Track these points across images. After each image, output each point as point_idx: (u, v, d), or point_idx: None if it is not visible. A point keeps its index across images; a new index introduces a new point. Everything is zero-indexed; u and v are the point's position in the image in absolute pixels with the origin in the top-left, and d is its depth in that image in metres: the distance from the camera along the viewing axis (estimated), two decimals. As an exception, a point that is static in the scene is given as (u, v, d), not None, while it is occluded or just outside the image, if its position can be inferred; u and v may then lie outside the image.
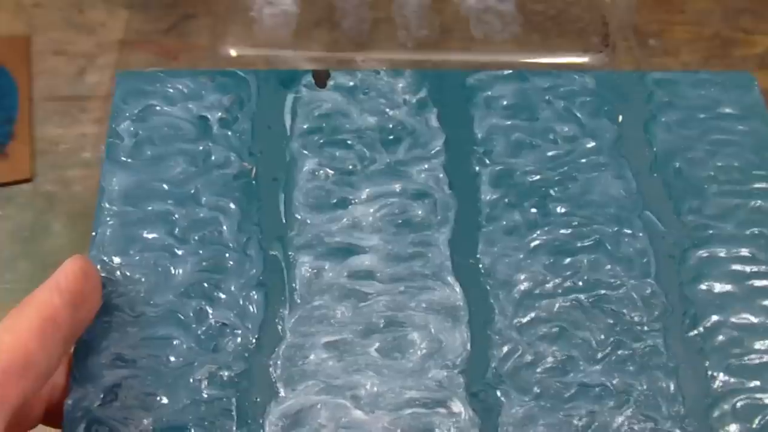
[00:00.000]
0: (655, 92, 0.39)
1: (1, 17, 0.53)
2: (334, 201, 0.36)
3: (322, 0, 0.52)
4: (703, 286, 0.34)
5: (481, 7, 0.50)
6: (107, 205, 0.35)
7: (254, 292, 0.34)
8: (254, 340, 0.33)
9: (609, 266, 0.35)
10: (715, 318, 0.34)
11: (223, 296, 0.34)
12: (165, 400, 0.32)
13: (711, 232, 0.36)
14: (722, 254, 0.35)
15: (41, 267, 0.46)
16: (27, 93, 0.50)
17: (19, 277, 0.45)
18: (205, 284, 0.34)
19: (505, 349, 0.33)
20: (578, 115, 0.38)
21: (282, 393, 0.32)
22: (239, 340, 0.33)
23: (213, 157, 0.36)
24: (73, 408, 0.32)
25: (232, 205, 0.35)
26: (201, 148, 0.37)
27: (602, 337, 0.33)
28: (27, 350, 0.28)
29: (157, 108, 0.37)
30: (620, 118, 0.38)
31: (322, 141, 0.37)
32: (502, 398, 0.32)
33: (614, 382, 0.33)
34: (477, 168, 0.37)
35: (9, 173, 0.47)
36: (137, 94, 0.38)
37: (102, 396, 0.32)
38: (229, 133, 0.37)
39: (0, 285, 0.45)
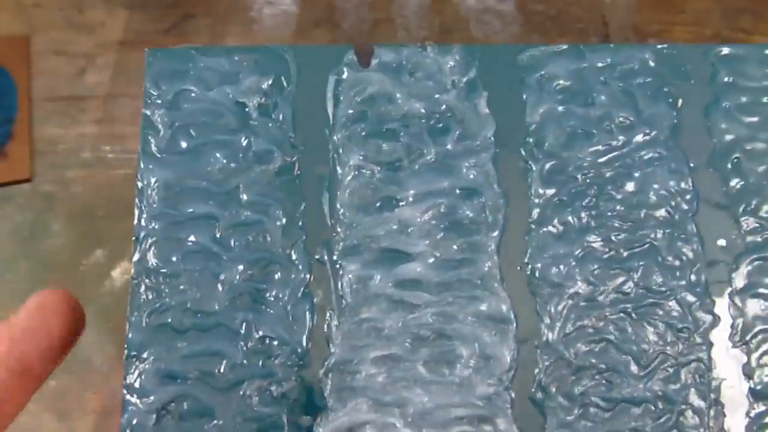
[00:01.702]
0: (720, 70, 0.36)
1: (1, 17, 0.50)
2: (380, 202, 0.35)
3: (322, 0, 0.48)
4: (754, 297, 0.34)
5: (481, 7, 0.47)
6: (147, 208, 0.34)
7: (301, 304, 0.34)
8: (303, 354, 0.33)
9: (659, 273, 0.34)
10: (762, 330, 0.34)
11: (270, 309, 0.34)
12: (217, 418, 0.33)
13: (767, 234, 0.35)
14: (776, 261, 0.35)
15: (41, 267, 0.45)
16: (26, 93, 0.48)
17: (18, 277, 0.45)
18: (251, 295, 0.34)
19: (552, 363, 0.33)
20: (636, 98, 0.36)
21: (332, 410, 0.33)
22: (288, 354, 0.33)
23: (253, 151, 0.35)
24: (128, 426, 0.32)
25: (275, 207, 0.34)
26: (240, 140, 0.35)
27: (648, 351, 0.33)
28: None
29: (192, 94, 0.35)
30: (680, 102, 0.36)
31: (366, 131, 0.35)
32: (547, 415, 0.33)
33: (659, 396, 0.33)
34: (528, 162, 0.35)
35: (8, 173, 0.46)
36: (169, 75, 0.36)
37: (155, 415, 0.32)
38: (269, 123, 0.35)
39: (0, 285, 0.45)
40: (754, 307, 0.34)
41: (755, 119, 0.36)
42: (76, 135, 0.47)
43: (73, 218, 0.45)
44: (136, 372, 0.33)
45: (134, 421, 0.32)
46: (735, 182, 0.35)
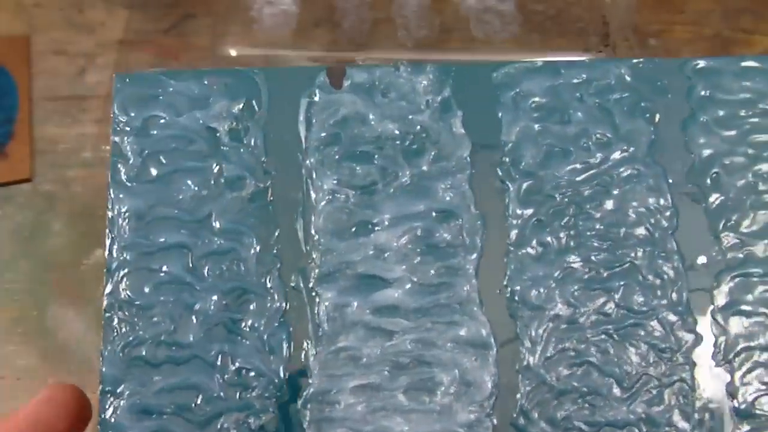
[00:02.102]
0: (696, 84, 0.36)
1: (1, 17, 0.49)
2: (355, 226, 0.34)
3: (322, 0, 0.47)
4: (736, 314, 0.34)
5: (481, 7, 0.46)
6: (118, 238, 0.34)
7: (278, 333, 0.33)
8: (280, 385, 0.33)
9: (640, 293, 0.34)
10: (746, 350, 0.33)
11: (246, 340, 0.33)
12: (195, 453, 0.32)
13: (747, 250, 0.34)
14: (756, 278, 0.34)
15: (41, 267, 0.45)
16: (27, 93, 0.48)
17: (19, 277, 0.45)
18: (226, 326, 0.33)
19: (533, 387, 0.33)
20: (613, 114, 0.35)
21: (311, 442, 0.32)
22: (265, 385, 0.33)
23: (225, 177, 0.34)
24: (105, 465, 0.32)
25: (249, 235, 0.34)
26: (212, 166, 0.34)
27: (631, 372, 0.33)
28: None
29: (162, 120, 0.35)
30: (657, 117, 0.35)
31: (340, 154, 0.35)
32: (530, 440, 0.32)
33: (642, 419, 0.33)
34: (505, 182, 0.35)
35: (8, 173, 0.45)
36: (139, 101, 0.35)
37: None
38: (241, 148, 0.35)
39: (0, 285, 0.45)
40: (736, 324, 0.34)
41: (733, 133, 0.35)
42: (77, 135, 0.47)
43: (73, 218, 0.45)
44: (111, 408, 0.32)
45: None
46: (714, 198, 0.35)
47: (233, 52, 0.46)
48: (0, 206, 0.46)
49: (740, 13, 0.48)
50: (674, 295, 0.34)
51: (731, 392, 0.33)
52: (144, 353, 0.33)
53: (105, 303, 0.33)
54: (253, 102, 0.35)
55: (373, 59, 0.46)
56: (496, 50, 0.46)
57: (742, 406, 0.33)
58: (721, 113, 0.36)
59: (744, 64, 0.36)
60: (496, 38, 0.46)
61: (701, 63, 0.36)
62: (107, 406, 0.32)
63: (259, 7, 0.48)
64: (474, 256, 0.34)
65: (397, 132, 0.35)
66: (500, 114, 0.35)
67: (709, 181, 0.35)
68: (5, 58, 0.48)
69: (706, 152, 0.35)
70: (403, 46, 0.46)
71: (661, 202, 0.35)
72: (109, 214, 0.34)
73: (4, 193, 0.46)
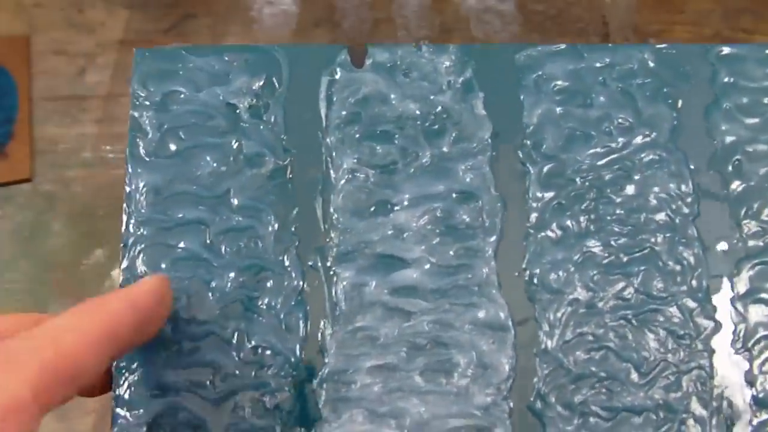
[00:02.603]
0: (720, 70, 0.36)
1: (1, 17, 0.49)
2: (375, 206, 0.34)
3: (322, 0, 0.47)
4: (756, 302, 0.33)
5: (481, 7, 0.46)
6: (135, 213, 0.33)
7: (294, 312, 0.33)
8: (296, 365, 0.32)
9: (660, 279, 0.33)
10: (765, 337, 0.33)
11: (262, 318, 0.33)
12: (209, 430, 0.32)
13: (768, 238, 0.34)
14: (778, 265, 0.34)
15: (41, 267, 0.45)
16: (27, 93, 0.47)
17: (19, 277, 0.45)
18: (243, 303, 0.33)
19: (551, 371, 0.33)
20: (636, 99, 0.35)
21: (326, 422, 0.32)
22: (281, 364, 0.32)
23: (244, 154, 0.34)
24: (119, 440, 0.32)
25: (267, 212, 0.33)
26: (231, 142, 0.34)
27: (649, 358, 0.33)
28: (82, 359, 0.26)
29: (181, 95, 0.34)
30: (680, 103, 0.35)
31: (360, 133, 0.34)
32: (547, 425, 0.32)
33: (660, 405, 0.32)
34: (526, 165, 0.34)
35: (8, 173, 0.45)
36: (158, 76, 0.35)
37: (145, 428, 0.32)
38: (261, 125, 0.34)
39: (0, 285, 0.45)
40: (756, 313, 0.33)
41: (756, 120, 0.35)
42: (77, 135, 0.47)
43: (73, 218, 0.45)
44: (126, 384, 0.32)
45: None
46: (736, 185, 0.34)
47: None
48: (0, 206, 0.46)
49: (740, 13, 0.47)
50: (694, 282, 0.33)
51: (750, 380, 0.33)
52: (162, 329, 0.32)
53: (121, 279, 0.33)
54: (274, 79, 0.35)
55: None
56: (496, 50, 0.46)
57: (761, 395, 0.33)
58: (745, 100, 0.35)
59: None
60: (496, 38, 0.46)
61: (725, 50, 0.36)
62: (121, 383, 0.32)
63: (259, 7, 0.48)
64: (493, 238, 0.34)
65: (418, 112, 0.35)
66: (522, 96, 0.35)
67: (731, 168, 0.35)
68: (5, 58, 0.48)
69: (729, 139, 0.35)
70: (403, 46, 0.47)
71: (683, 188, 0.34)
72: (126, 188, 0.34)
73: (4, 193, 0.46)
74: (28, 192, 0.46)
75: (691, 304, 0.33)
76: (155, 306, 0.29)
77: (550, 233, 0.34)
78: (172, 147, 0.34)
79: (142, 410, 0.32)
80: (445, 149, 0.34)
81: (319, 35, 0.47)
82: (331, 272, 0.33)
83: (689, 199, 0.34)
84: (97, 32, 0.48)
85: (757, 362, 0.33)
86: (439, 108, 0.35)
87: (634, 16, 0.47)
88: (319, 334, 0.33)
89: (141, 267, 0.33)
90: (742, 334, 0.33)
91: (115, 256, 0.45)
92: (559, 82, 0.35)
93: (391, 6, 0.47)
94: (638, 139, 0.35)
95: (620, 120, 0.35)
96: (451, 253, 0.34)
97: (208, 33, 0.47)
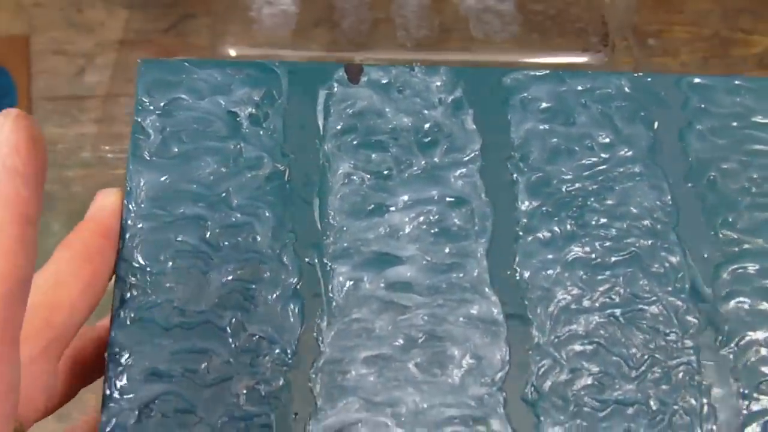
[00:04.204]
0: (691, 98, 0.38)
1: (1, 17, 0.51)
2: (371, 207, 0.35)
3: (321, 0, 0.50)
4: (735, 303, 0.35)
5: (481, 7, 0.49)
6: (135, 208, 0.34)
7: (291, 304, 0.33)
8: (292, 354, 0.32)
9: (645, 281, 0.35)
10: (747, 336, 0.34)
11: (259, 308, 0.33)
12: (202, 417, 0.31)
13: (745, 246, 0.36)
14: (753, 270, 0.35)
15: (40, 266, 0.45)
16: (26, 93, 0.49)
17: None
18: (240, 294, 0.33)
19: (543, 365, 0.33)
20: (614, 120, 0.37)
21: (321, 410, 0.32)
22: (277, 353, 0.32)
23: (244, 157, 0.35)
24: (108, 425, 0.31)
25: (265, 211, 0.34)
26: (231, 146, 0.35)
27: (638, 354, 0.33)
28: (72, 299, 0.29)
29: (185, 102, 0.36)
30: (656, 124, 0.37)
31: (356, 142, 0.36)
32: (540, 416, 0.32)
33: (649, 400, 0.33)
34: (514, 175, 0.36)
35: None
36: (162, 85, 0.36)
37: (137, 413, 0.31)
38: (260, 131, 0.36)
39: None
40: (737, 313, 0.35)
41: (725, 141, 0.37)
42: (76, 135, 0.47)
43: (73, 218, 0.45)
44: (118, 369, 0.32)
45: (114, 420, 0.31)
46: (711, 198, 0.36)
47: (233, 52, 0.48)
48: None
49: (739, 13, 0.50)
50: (677, 284, 0.35)
51: (735, 376, 0.33)
52: (155, 317, 0.33)
53: (118, 268, 0.33)
54: (274, 91, 0.37)
55: (373, 59, 0.47)
56: (495, 50, 0.48)
57: (746, 390, 0.33)
58: (715, 124, 0.38)
59: (735, 82, 0.39)
60: (495, 38, 0.48)
61: (696, 79, 0.38)
62: (114, 367, 0.32)
63: (259, 7, 0.49)
64: (484, 239, 0.35)
65: (411, 125, 0.36)
66: (509, 115, 0.37)
67: (706, 182, 0.37)
68: (5, 58, 0.49)
69: (703, 157, 0.37)
70: (403, 46, 0.48)
71: (663, 199, 0.36)
72: (128, 186, 0.34)
73: None
74: None
75: (676, 303, 0.34)
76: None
77: (539, 236, 0.35)
78: (174, 149, 0.35)
79: (133, 395, 0.31)
80: (436, 159, 0.36)
81: (319, 35, 0.49)
82: (328, 268, 0.34)
83: (669, 209, 0.36)
84: (97, 32, 0.49)
85: (741, 360, 0.34)
86: (431, 122, 0.37)
87: (633, 16, 0.50)
88: (315, 326, 0.33)
89: (138, 258, 0.33)
90: (725, 333, 0.34)
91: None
92: (543, 104, 0.37)
93: (391, 6, 0.49)
94: (619, 154, 0.37)
95: (601, 137, 0.37)
96: (445, 252, 0.35)
97: (207, 33, 0.49)
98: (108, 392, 0.31)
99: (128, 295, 0.33)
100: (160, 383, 0.32)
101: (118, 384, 0.32)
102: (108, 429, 0.31)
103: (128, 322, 0.32)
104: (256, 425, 0.31)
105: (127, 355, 0.32)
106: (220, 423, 0.31)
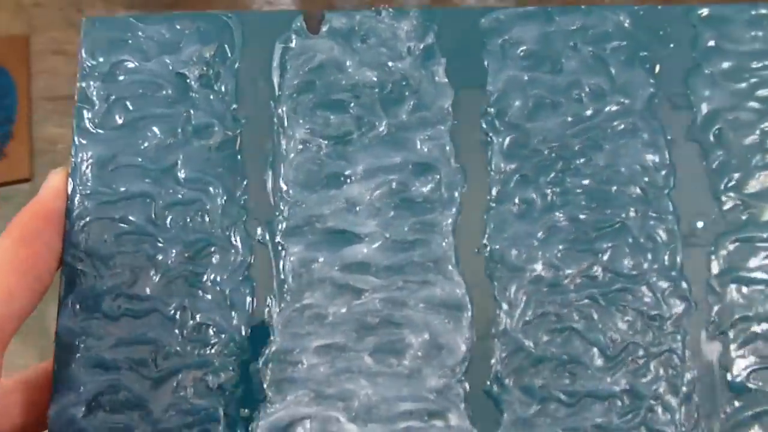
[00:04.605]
0: (702, 33, 0.33)
1: (1, 17, 0.48)
2: (327, 178, 0.32)
3: (321, 0, 0.46)
4: (734, 281, 0.31)
5: (481, 6, 0.44)
6: (80, 186, 0.32)
7: (240, 288, 0.31)
8: (241, 343, 0.31)
9: (630, 256, 0.31)
10: (743, 318, 0.31)
11: (207, 294, 0.31)
12: (150, 410, 0.31)
13: (750, 212, 0.32)
14: (759, 243, 0.31)
15: None
16: (26, 93, 0.47)
17: None
18: (188, 279, 0.32)
19: (509, 353, 0.31)
20: (609, 65, 0.33)
21: (271, 403, 0.31)
22: (225, 342, 0.31)
23: (193, 125, 0.33)
24: (57, 418, 0.31)
25: (215, 185, 0.32)
26: (180, 112, 0.33)
27: (617, 340, 0.31)
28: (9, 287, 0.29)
29: (130, 65, 0.33)
30: (657, 68, 0.33)
31: (314, 102, 0.33)
32: (504, 410, 0.30)
33: (626, 391, 0.30)
34: (489, 135, 0.32)
35: (8, 173, 0.45)
36: (107, 45, 0.33)
37: (85, 406, 0.31)
38: (211, 95, 0.33)
39: None
40: (734, 292, 0.31)
41: (741, 86, 0.33)
42: None
43: None
44: (65, 361, 0.31)
45: (63, 413, 0.31)
46: (716, 155, 0.32)
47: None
48: (0, 206, 0.46)
49: None
50: (666, 259, 0.31)
51: (724, 365, 0.30)
52: (102, 306, 0.31)
53: (65, 254, 0.32)
54: (226, 47, 0.33)
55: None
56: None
57: (737, 380, 0.30)
58: (729, 65, 0.33)
59: (755, 12, 0.33)
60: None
61: (707, 11, 0.33)
62: (62, 359, 0.31)
63: (259, 7, 0.46)
64: (452, 211, 0.32)
65: (375, 80, 0.33)
66: (486, 62, 0.33)
67: (711, 137, 0.32)
68: (5, 58, 0.48)
69: (710, 106, 0.32)
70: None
71: (657, 159, 0.32)
72: (72, 161, 0.32)
73: (3, 193, 0.46)
74: (27, 192, 0.46)
75: (663, 282, 0.31)
76: (59, 201, 0.32)
77: (512, 207, 0.32)
78: (119, 119, 0.33)
79: (81, 388, 0.31)
80: (403, 118, 0.33)
81: None
82: (280, 247, 0.32)
83: (664, 171, 0.32)
84: None
85: (733, 345, 0.31)
86: (398, 75, 0.33)
87: None
88: (266, 312, 0.31)
89: (84, 241, 0.32)
90: (717, 315, 0.31)
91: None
92: (526, 47, 0.33)
93: (391, 6, 0.45)
94: (611, 107, 0.32)
95: (591, 86, 0.33)
96: (406, 228, 0.32)
97: None
98: (56, 384, 0.31)
99: (74, 280, 0.32)
100: (108, 374, 0.31)
101: (66, 376, 0.31)
102: (57, 421, 0.31)
103: (75, 310, 0.31)
104: (203, 418, 0.31)
105: (73, 347, 0.31)
106: (167, 417, 0.31)
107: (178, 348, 0.31)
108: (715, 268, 0.31)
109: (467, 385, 0.31)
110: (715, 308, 0.31)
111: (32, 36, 0.48)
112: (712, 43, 0.33)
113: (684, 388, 0.30)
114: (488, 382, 0.31)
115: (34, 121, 0.46)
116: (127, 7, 0.47)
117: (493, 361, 0.31)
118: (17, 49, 0.47)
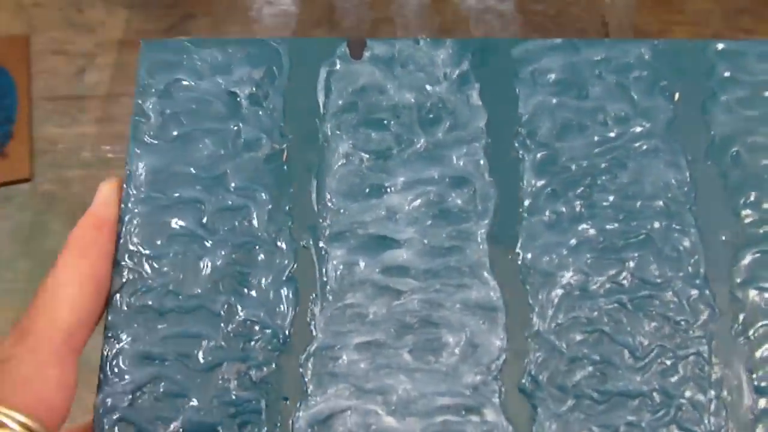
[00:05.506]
0: (718, 65, 0.36)
1: (1, 17, 0.51)
2: (369, 188, 0.34)
3: (322, 0, 0.49)
4: (754, 290, 0.33)
5: (481, 7, 0.47)
6: (134, 192, 0.34)
7: (285, 288, 0.33)
8: (284, 339, 0.32)
9: (656, 265, 0.33)
10: (765, 325, 0.32)
11: (252, 292, 0.33)
12: (193, 401, 0.32)
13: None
14: (778, 254, 0.33)
15: (40, 266, 0.45)
16: (26, 93, 0.49)
17: (18, 277, 0.45)
18: (235, 278, 0.33)
19: (543, 354, 0.32)
20: (631, 92, 0.35)
21: (312, 396, 0.32)
22: (269, 338, 0.32)
23: (243, 138, 0.35)
24: (102, 407, 0.31)
25: (262, 193, 0.34)
26: (230, 127, 0.35)
27: (645, 342, 0.32)
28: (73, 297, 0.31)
29: (184, 83, 0.36)
30: (677, 96, 0.35)
31: (356, 120, 0.35)
32: (538, 406, 0.31)
33: (655, 391, 0.31)
34: (520, 152, 0.35)
35: (8, 173, 0.46)
36: (163, 66, 0.36)
37: (130, 396, 0.32)
38: (260, 111, 0.35)
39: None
40: (756, 301, 0.33)
41: (755, 113, 0.35)
42: (76, 135, 0.47)
43: (72, 218, 0.46)
44: (113, 351, 0.32)
45: (108, 402, 0.31)
46: (734, 175, 0.34)
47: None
48: (0, 206, 0.47)
49: (740, 13, 0.47)
50: (691, 268, 0.33)
51: (750, 368, 0.32)
52: (150, 302, 0.33)
53: (116, 253, 0.33)
54: (274, 69, 0.36)
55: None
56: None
57: (762, 383, 0.31)
58: (744, 93, 0.35)
59: (767, 47, 0.36)
60: (496, 38, 0.47)
61: (723, 45, 0.36)
62: (111, 351, 0.32)
63: (259, 7, 0.49)
64: (486, 221, 0.34)
65: (413, 101, 0.35)
66: (517, 89, 0.36)
67: (728, 159, 0.34)
68: (5, 58, 0.49)
69: (727, 131, 0.35)
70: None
71: (679, 177, 0.34)
72: (127, 170, 0.34)
73: (3, 193, 0.47)
74: (27, 192, 0.46)
75: (689, 290, 0.33)
76: (113, 208, 0.34)
77: (543, 218, 0.34)
78: (174, 132, 0.35)
79: (128, 378, 0.32)
80: (439, 136, 0.35)
81: (319, 35, 0.48)
82: (323, 251, 0.33)
83: (686, 188, 0.34)
84: (97, 32, 0.49)
85: (758, 351, 0.32)
86: (435, 98, 0.35)
87: (633, 16, 0.47)
88: (309, 311, 0.33)
89: (136, 243, 0.33)
90: (741, 321, 0.32)
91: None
92: (554, 75, 0.36)
93: (391, 6, 0.48)
94: (634, 129, 0.35)
95: (615, 111, 0.35)
96: (444, 235, 0.33)
97: (207, 33, 0.48)
98: (103, 375, 0.32)
99: (124, 279, 0.33)
100: (153, 366, 0.32)
101: (113, 367, 0.32)
102: (102, 410, 0.31)
103: (124, 306, 0.33)
104: (246, 410, 0.31)
105: (122, 339, 0.32)
106: (210, 407, 0.31)
107: (223, 343, 0.32)
108: (737, 278, 0.33)
109: (502, 383, 0.32)
110: (739, 315, 0.32)
111: (32, 36, 0.49)
112: (727, 74, 0.35)
113: (712, 391, 0.31)
114: (522, 380, 0.32)
115: (34, 121, 0.47)
116: (127, 7, 0.49)
117: (526, 360, 0.32)
118: (17, 49, 0.49)
